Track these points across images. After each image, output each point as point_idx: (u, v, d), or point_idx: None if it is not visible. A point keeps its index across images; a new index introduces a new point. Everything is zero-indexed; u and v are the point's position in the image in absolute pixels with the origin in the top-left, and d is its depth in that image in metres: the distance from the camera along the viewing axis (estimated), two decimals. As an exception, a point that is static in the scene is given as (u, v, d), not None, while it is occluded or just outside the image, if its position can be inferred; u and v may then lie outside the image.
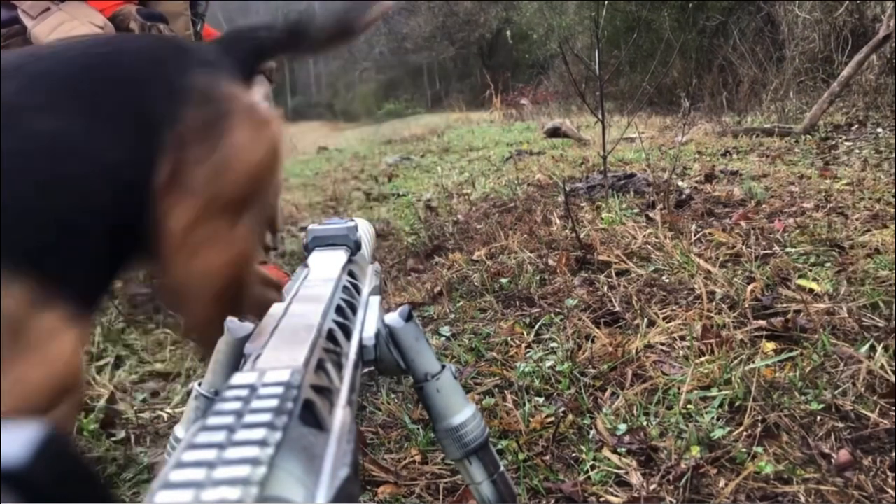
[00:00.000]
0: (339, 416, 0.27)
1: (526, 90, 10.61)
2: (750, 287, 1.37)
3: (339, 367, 0.34)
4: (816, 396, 0.99)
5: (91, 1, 1.61)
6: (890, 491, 0.80)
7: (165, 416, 1.15)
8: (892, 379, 1.00)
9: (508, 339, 1.32)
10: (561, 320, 1.37)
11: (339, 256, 0.52)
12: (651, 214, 2.05)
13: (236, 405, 0.23)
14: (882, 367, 1.03)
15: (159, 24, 1.66)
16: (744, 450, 0.90)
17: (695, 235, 1.79)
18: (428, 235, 2.15)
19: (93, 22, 1.55)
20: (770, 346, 1.17)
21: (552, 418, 1.03)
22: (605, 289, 1.50)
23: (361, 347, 0.43)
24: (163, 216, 0.69)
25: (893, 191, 2.12)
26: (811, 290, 1.38)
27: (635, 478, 0.88)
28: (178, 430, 0.52)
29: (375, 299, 0.50)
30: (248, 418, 0.22)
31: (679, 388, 1.05)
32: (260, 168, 0.76)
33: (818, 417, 0.95)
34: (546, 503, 0.86)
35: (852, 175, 2.45)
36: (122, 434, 1.08)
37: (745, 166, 2.87)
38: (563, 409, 1.05)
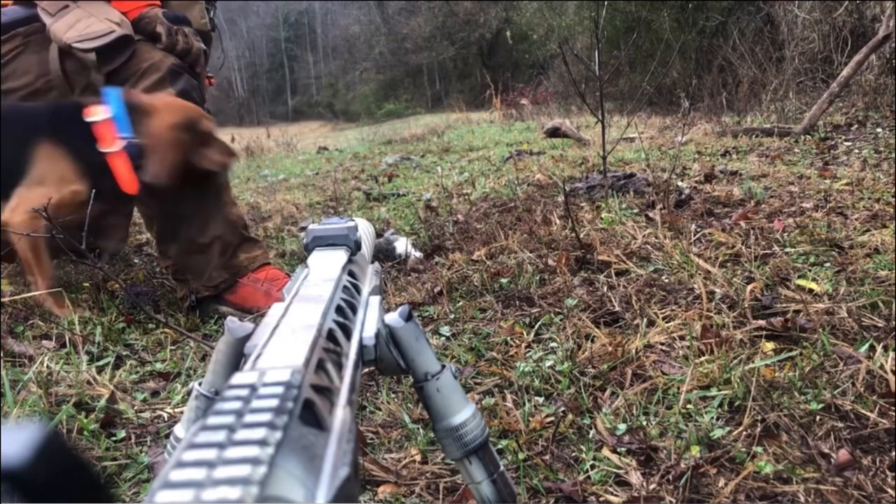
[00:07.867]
0: (340, 415, 0.27)
1: (526, 90, 10.63)
2: (749, 287, 1.37)
3: (340, 366, 0.34)
4: (816, 396, 0.99)
5: (115, 2, 1.60)
6: (889, 491, 0.80)
7: (165, 416, 1.15)
8: (892, 379, 1.00)
9: (508, 338, 1.32)
10: (561, 320, 1.37)
11: (339, 256, 0.52)
12: (651, 214, 2.05)
13: (236, 405, 0.23)
14: (882, 366, 1.03)
15: (184, 27, 1.66)
16: (743, 449, 0.90)
17: (694, 235, 1.79)
18: (428, 235, 2.15)
19: (109, 18, 1.55)
20: (770, 345, 1.17)
21: (552, 418, 1.03)
22: (605, 289, 1.50)
23: (361, 347, 0.43)
24: None
25: (893, 191, 2.12)
26: (811, 290, 1.38)
27: (635, 477, 0.88)
28: (178, 430, 0.52)
29: (375, 299, 0.50)
30: (249, 418, 0.22)
31: (679, 388, 1.06)
32: None
33: (818, 417, 0.95)
34: (546, 503, 0.86)
35: (852, 175, 2.45)
36: (122, 434, 1.08)
37: (744, 166, 2.87)
38: (562, 408, 1.05)
